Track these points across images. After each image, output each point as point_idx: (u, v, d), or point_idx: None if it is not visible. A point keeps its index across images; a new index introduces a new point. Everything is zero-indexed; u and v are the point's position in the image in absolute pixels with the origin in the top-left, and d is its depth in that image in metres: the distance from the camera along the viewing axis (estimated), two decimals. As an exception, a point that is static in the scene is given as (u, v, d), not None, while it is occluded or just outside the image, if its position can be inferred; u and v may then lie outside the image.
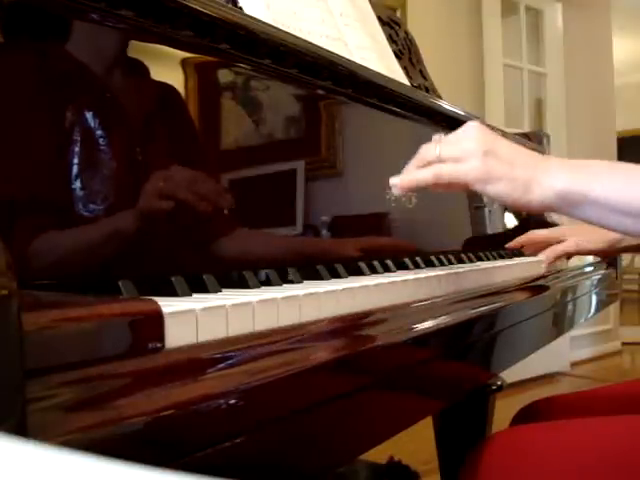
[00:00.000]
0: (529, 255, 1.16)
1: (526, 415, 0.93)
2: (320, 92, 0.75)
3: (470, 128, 0.65)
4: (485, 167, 0.62)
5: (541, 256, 1.07)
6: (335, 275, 0.66)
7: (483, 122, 0.66)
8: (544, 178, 0.61)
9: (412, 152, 0.97)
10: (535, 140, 1.40)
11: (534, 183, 0.61)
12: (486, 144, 0.64)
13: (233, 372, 0.35)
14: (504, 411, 1.18)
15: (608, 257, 1.32)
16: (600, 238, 1.01)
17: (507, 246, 1.12)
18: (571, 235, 1.02)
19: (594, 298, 1.19)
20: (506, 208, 1.28)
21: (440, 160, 0.65)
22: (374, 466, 1.30)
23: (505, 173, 0.62)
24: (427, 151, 0.66)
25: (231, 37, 0.61)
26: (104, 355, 0.32)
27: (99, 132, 0.48)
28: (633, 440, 0.65)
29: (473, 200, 1.15)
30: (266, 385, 0.34)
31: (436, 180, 0.64)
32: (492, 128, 0.69)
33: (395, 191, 0.68)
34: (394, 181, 0.67)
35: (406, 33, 1.24)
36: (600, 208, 0.60)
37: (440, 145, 0.65)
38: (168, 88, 0.56)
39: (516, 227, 1.31)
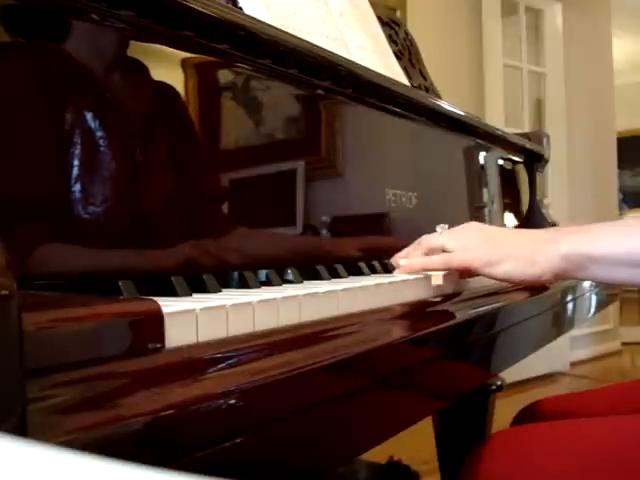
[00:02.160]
0: None
1: (526, 416, 0.93)
2: (320, 92, 0.75)
3: (469, 224, 0.72)
4: (490, 252, 0.67)
5: None
6: (335, 275, 0.66)
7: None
8: (547, 248, 0.65)
9: (412, 152, 0.97)
10: (535, 140, 1.40)
11: (538, 255, 0.65)
12: (486, 233, 0.70)
13: (233, 372, 0.35)
14: (504, 411, 1.18)
15: None
16: None
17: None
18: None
19: (594, 298, 1.19)
20: (505, 208, 1.28)
21: (444, 249, 0.70)
22: (374, 466, 1.30)
23: (510, 253, 0.67)
24: (431, 239, 0.72)
25: (231, 37, 0.61)
26: (104, 355, 0.32)
27: (99, 132, 0.48)
28: (633, 440, 0.65)
29: (473, 200, 1.15)
30: (266, 385, 0.34)
31: (445, 267, 0.69)
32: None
33: (399, 271, 0.71)
34: (403, 262, 0.71)
35: (406, 33, 1.24)
36: (605, 265, 0.64)
37: (443, 235, 0.71)
38: (168, 88, 0.56)
39: (516, 227, 1.31)
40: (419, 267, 0.69)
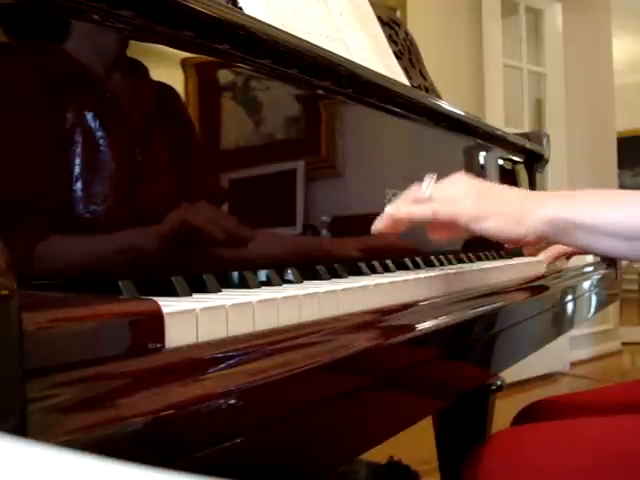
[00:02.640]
0: (529, 255, 1.17)
1: (526, 416, 0.93)
2: (320, 92, 0.75)
3: (457, 176, 0.70)
4: (477, 206, 0.66)
5: (541, 256, 1.06)
6: (335, 275, 0.66)
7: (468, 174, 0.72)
8: (533, 210, 0.65)
9: (412, 152, 0.97)
10: (535, 140, 1.40)
11: (525, 215, 0.65)
12: (475, 187, 0.68)
13: (233, 372, 0.35)
14: (504, 411, 1.18)
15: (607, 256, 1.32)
16: None
17: (506, 246, 1.11)
18: None
19: (594, 298, 1.19)
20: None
21: (431, 201, 0.68)
22: (374, 466, 1.30)
23: (497, 210, 0.66)
24: (418, 192, 0.70)
25: (231, 37, 0.61)
26: (104, 355, 0.32)
27: (100, 133, 0.48)
28: (633, 440, 0.65)
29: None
30: (266, 385, 0.34)
31: (434, 216, 0.67)
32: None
33: (378, 225, 0.70)
34: (390, 210, 0.69)
35: (406, 33, 1.24)
36: (589, 233, 0.63)
37: (431, 188, 0.69)
38: (168, 88, 0.56)
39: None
40: (406, 215, 0.68)
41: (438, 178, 0.70)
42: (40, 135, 0.45)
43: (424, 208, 0.68)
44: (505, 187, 0.70)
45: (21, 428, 0.24)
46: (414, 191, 0.70)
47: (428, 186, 0.69)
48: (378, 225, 0.70)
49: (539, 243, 0.73)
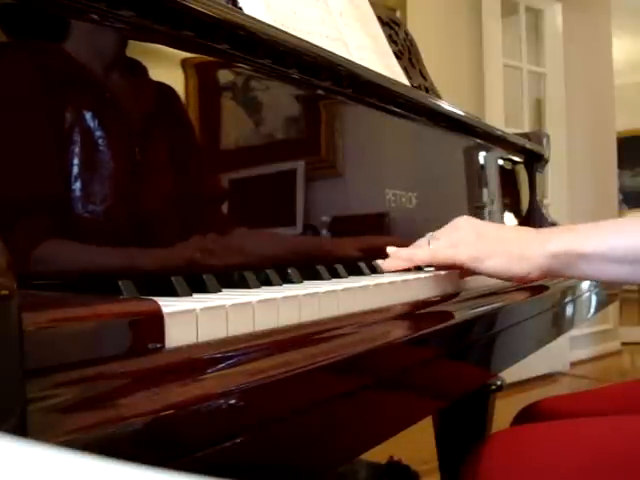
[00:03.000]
0: None
1: (526, 416, 0.93)
2: (320, 92, 0.75)
3: (458, 220, 0.71)
4: (477, 247, 0.67)
5: None
6: (335, 275, 0.66)
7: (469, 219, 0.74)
8: (536, 246, 0.65)
9: (412, 152, 0.97)
10: (535, 140, 1.40)
11: (527, 252, 0.65)
12: (476, 229, 0.69)
13: (233, 372, 0.35)
14: (504, 411, 1.18)
15: None
16: None
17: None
18: None
19: (594, 298, 1.19)
20: (505, 208, 1.28)
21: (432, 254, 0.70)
22: (374, 466, 1.30)
23: (498, 249, 0.67)
24: (420, 241, 0.72)
25: (231, 37, 0.61)
26: (104, 355, 0.32)
27: (99, 132, 0.48)
28: (633, 440, 0.65)
29: (473, 200, 1.15)
30: (266, 385, 0.34)
31: (433, 260, 0.69)
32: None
33: (384, 265, 0.73)
34: (391, 250, 0.73)
35: (406, 33, 1.24)
36: (594, 262, 0.64)
37: (432, 239, 0.71)
38: (168, 88, 0.56)
39: (516, 225, 1.31)
40: (405, 257, 0.70)
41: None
42: (40, 135, 0.45)
43: (423, 251, 0.70)
44: (506, 226, 0.74)
45: (21, 428, 0.24)
46: (418, 243, 0.73)
47: (429, 239, 0.71)
48: (389, 264, 0.72)
49: (543, 279, 0.73)
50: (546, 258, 0.65)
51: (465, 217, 0.72)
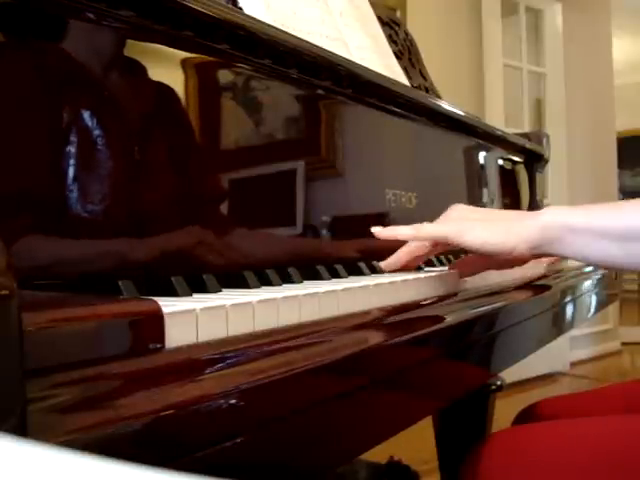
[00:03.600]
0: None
1: (527, 417, 0.93)
2: (320, 92, 0.75)
3: (454, 205, 0.70)
4: (465, 223, 0.65)
5: (544, 259, 1.06)
6: (335, 275, 0.66)
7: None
8: (524, 219, 0.63)
9: (412, 152, 0.97)
10: (535, 140, 1.40)
11: (514, 225, 0.63)
12: (465, 209, 0.68)
13: (233, 372, 0.35)
14: (504, 411, 1.18)
15: None
16: None
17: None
18: None
19: (594, 298, 1.19)
20: (505, 208, 1.28)
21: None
22: (374, 466, 1.30)
23: (484, 222, 0.64)
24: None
25: (231, 37, 0.61)
26: (104, 355, 0.32)
27: (99, 132, 0.48)
28: (633, 440, 0.65)
29: (473, 200, 1.15)
30: (266, 385, 0.34)
31: (415, 234, 0.67)
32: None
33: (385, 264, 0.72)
34: (375, 230, 0.70)
35: (406, 33, 1.24)
36: (582, 236, 0.61)
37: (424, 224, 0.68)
38: (168, 88, 0.56)
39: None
40: (388, 234, 0.69)
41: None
42: (39, 135, 0.45)
43: (407, 228, 0.68)
44: (496, 210, 0.72)
45: (21, 428, 0.24)
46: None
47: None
48: (389, 262, 0.72)
49: (528, 259, 0.69)
50: (536, 229, 0.62)
51: (459, 204, 0.70)
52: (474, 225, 0.64)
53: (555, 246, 0.63)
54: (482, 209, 0.70)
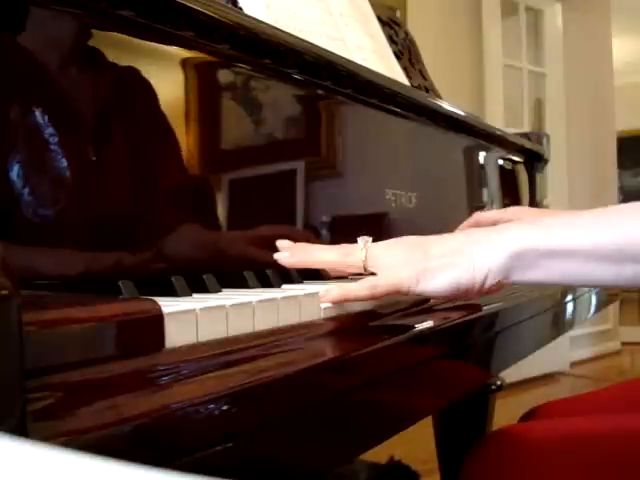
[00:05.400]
0: None
1: (530, 419, 0.93)
2: (320, 92, 0.75)
3: (394, 240, 0.59)
4: (421, 266, 0.54)
5: None
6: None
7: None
8: (487, 248, 0.53)
9: (412, 152, 0.97)
10: (535, 140, 1.40)
11: (478, 258, 0.53)
12: (418, 244, 0.56)
13: (233, 372, 0.35)
14: (504, 411, 1.18)
15: None
16: None
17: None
18: (526, 215, 0.80)
19: (594, 298, 1.19)
20: (506, 204, 1.28)
21: (365, 266, 0.56)
22: (374, 466, 1.30)
23: (442, 264, 0.54)
24: (353, 252, 0.58)
25: (231, 37, 0.61)
26: (104, 355, 0.32)
27: (99, 132, 0.48)
28: (633, 440, 0.65)
29: (473, 200, 1.15)
30: (266, 385, 0.34)
31: (372, 295, 0.54)
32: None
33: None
34: (322, 293, 0.52)
35: (406, 33, 1.24)
36: (562, 260, 0.52)
37: (367, 249, 0.57)
38: (168, 88, 0.56)
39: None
40: (340, 298, 0.53)
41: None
42: (38, 135, 0.45)
43: (360, 289, 0.53)
44: (450, 236, 0.58)
45: (21, 428, 0.24)
46: (350, 250, 0.58)
47: (362, 249, 0.57)
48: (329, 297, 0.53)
49: (500, 289, 0.57)
50: (503, 258, 0.53)
51: (401, 238, 0.59)
52: (433, 270, 0.54)
53: (527, 273, 0.54)
54: (424, 241, 0.57)
